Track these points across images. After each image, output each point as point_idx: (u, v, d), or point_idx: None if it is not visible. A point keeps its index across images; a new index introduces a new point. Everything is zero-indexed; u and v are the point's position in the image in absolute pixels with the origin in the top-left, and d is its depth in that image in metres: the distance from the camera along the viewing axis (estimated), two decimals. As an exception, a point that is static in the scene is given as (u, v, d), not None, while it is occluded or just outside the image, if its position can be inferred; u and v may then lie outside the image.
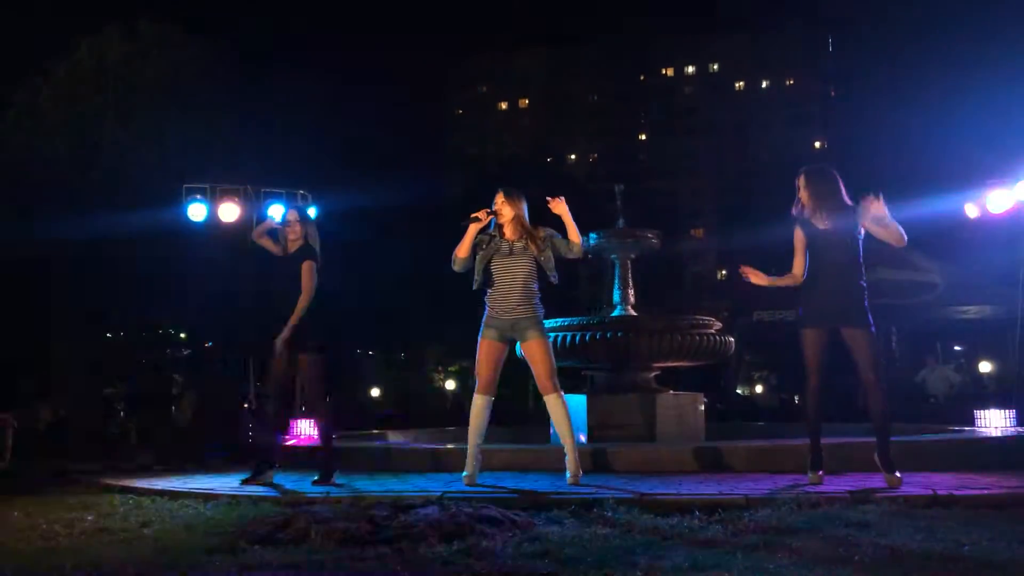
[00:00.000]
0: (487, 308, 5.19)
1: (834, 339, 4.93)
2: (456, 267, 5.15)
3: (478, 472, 5.15)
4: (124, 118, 16.05)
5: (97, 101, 16.23)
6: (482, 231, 5.14)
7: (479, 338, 5.19)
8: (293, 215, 5.85)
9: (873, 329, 4.87)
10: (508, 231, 5.15)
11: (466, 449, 5.18)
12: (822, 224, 4.90)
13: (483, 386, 5.17)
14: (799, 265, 5.01)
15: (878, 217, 4.84)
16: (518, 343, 5.23)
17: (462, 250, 5.10)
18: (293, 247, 5.72)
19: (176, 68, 16.65)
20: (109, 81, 16.30)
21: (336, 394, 5.94)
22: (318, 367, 5.57)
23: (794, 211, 5.05)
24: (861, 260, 4.91)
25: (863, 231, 4.92)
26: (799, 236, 5.00)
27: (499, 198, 5.18)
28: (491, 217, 5.12)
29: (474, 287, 5.19)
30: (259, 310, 5.83)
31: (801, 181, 5.01)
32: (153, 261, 15.13)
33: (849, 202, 4.93)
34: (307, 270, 5.56)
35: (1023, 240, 9.13)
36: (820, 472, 4.90)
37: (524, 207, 5.20)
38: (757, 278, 5.13)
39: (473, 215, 5.08)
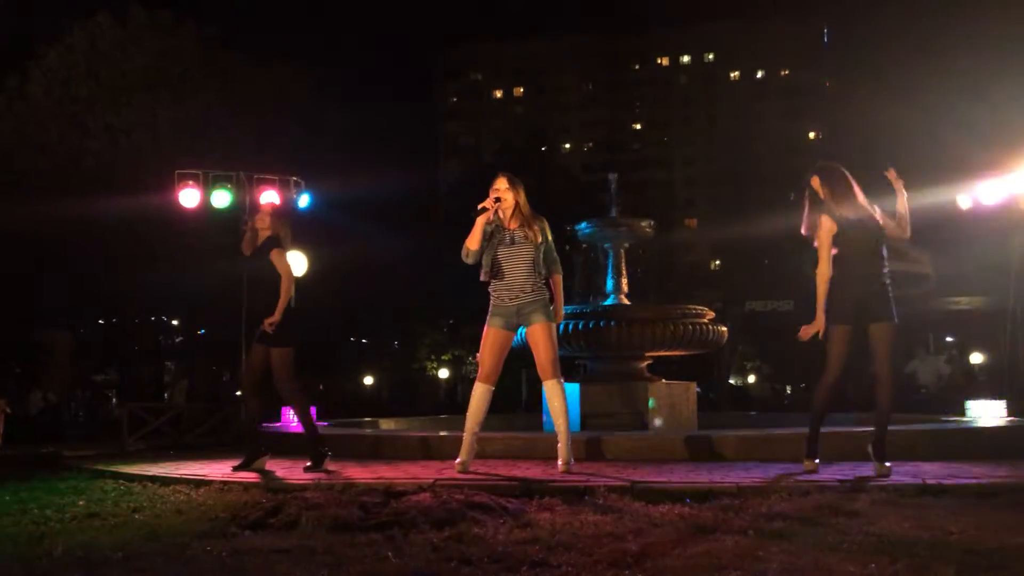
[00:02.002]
0: (492, 298, 5.18)
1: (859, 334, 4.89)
2: (469, 259, 5.10)
3: (471, 460, 5.15)
4: (116, 103, 15.96)
5: (89, 86, 16.13)
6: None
7: (485, 327, 5.18)
8: (267, 206, 5.78)
9: (896, 321, 4.85)
10: (509, 220, 5.13)
11: (459, 436, 5.19)
12: (850, 214, 4.85)
13: (484, 375, 5.15)
14: (826, 261, 4.83)
15: (897, 194, 4.84)
16: (522, 330, 5.22)
17: (474, 242, 5.04)
18: (260, 238, 5.66)
19: (168, 54, 16.55)
20: (101, 66, 16.19)
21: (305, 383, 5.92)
22: (285, 360, 5.56)
23: (804, 230, 4.97)
24: (884, 252, 4.88)
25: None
26: (826, 227, 4.83)
27: (502, 183, 5.14)
28: (498, 205, 5.10)
29: (482, 278, 5.17)
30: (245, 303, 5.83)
31: (816, 182, 4.93)
32: (145, 246, 15.09)
33: (864, 197, 4.90)
34: (276, 256, 5.51)
35: (1014, 232, 9.16)
36: (816, 460, 4.92)
37: (523, 192, 5.20)
38: (815, 328, 4.88)
39: (481, 205, 5.05)
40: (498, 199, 5.09)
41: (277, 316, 5.45)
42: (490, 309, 5.17)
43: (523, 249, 5.10)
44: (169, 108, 15.74)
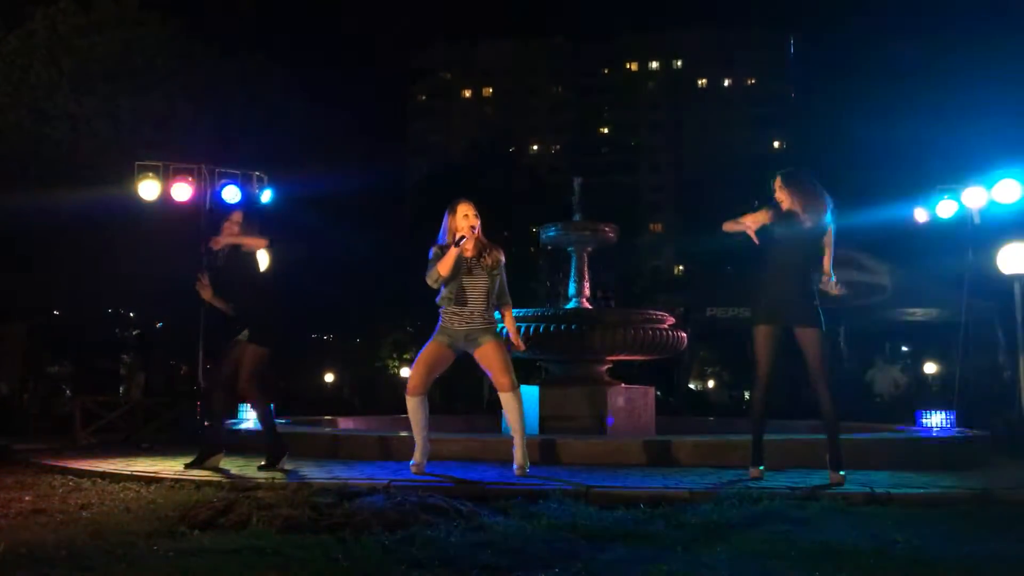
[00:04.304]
0: (442, 318, 5.15)
1: (787, 336, 5.00)
2: (435, 284, 5.06)
3: (427, 460, 5.14)
4: (77, 91, 15.66)
5: (50, 72, 15.81)
6: (445, 247, 5.06)
7: (430, 340, 5.15)
8: (237, 215, 5.76)
9: (824, 329, 4.95)
10: (468, 247, 5.09)
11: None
12: (801, 224, 4.93)
13: (413, 387, 5.09)
14: (747, 220, 4.97)
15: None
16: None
17: (446, 269, 4.97)
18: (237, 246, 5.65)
19: (131, 43, 16.28)
20: (63, 53, 15.88)
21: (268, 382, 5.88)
22: (258, 359, 5.51)
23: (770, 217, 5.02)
24: (819, 262, 4.98)
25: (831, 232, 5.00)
26: (764, 216, 4.94)
27: (471, 211, 5.07)
28: (475, 235, 5.05)
29: (438, 300, 5.15)
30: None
31: (778, 183, 5.02)
32: (103, 237, 14.82)
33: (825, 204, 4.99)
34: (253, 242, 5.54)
35: (968, 246, 9.36)
36: (761, 467, 4.99)
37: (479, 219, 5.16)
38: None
39: (460, 235, 4.97)
40: (473, 227, 5.03)
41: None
42: (438, 327, 5.15)
43: (480, 279, 5.08)
44: (131, 98, 15.46)
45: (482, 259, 5.09)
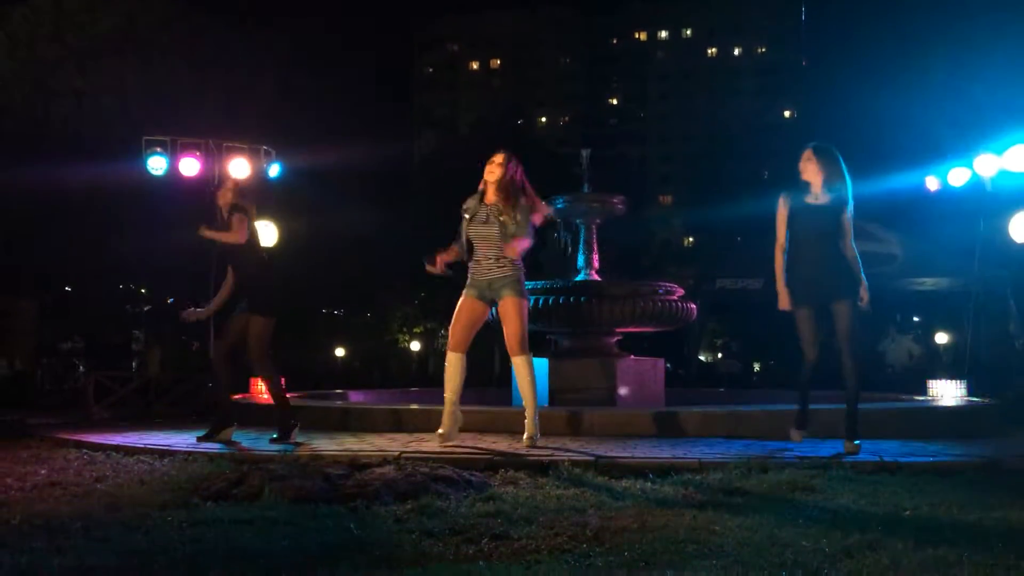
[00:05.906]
0: (469, 270, 5.21)
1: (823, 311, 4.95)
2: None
3: (455, 431, 5.14)
4: (82, 67, 15.64)
5: (55, 48, 15.78)
6: (476, 196, 5.15)
7: (462, 295, 5.21)
8: (229, 182, 5.78)
9: (855, 299, 4.89)
10: (490, 194, 5.11)
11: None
12: (815, 200, 4.93)
13: (453, 343, 5.18)
14: (782, 235, 5.00)
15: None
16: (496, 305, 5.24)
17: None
18: (226, 213, 5.65)
19: (136, 17, 16.22)
20: (67, 28, 15.84)
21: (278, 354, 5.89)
22: (263, 331, 5.54)
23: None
24: (847, 232, 4.92)
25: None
26: (782, 209, 4.99)
27: (496, 159, 5.14)
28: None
29: (463, 260, 5.19)
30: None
31: (808, 155, 4.97)
32: (112, 213, 14.88)
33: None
34: (236, 221, 5.49)
35: (980, 215, 9.29)
36: (803, 431, 5.03)
37: (519, 170, 5.13)
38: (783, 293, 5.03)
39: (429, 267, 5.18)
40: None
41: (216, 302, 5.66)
42: (467, 279, 5.21)
43: (492, 228, 5.09)
44: (137, 72, 15.45)
45: (499, 207, 5.05)
